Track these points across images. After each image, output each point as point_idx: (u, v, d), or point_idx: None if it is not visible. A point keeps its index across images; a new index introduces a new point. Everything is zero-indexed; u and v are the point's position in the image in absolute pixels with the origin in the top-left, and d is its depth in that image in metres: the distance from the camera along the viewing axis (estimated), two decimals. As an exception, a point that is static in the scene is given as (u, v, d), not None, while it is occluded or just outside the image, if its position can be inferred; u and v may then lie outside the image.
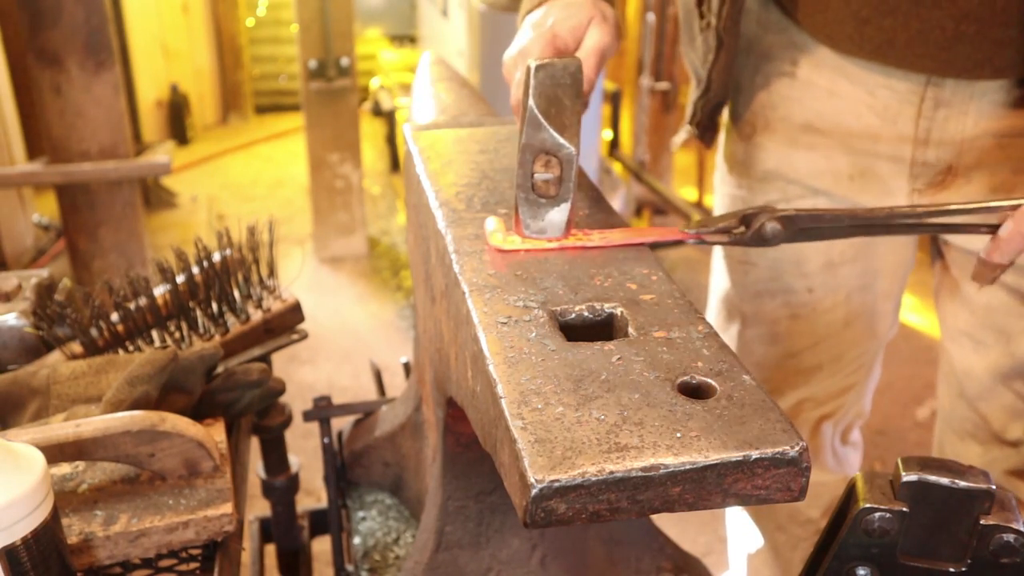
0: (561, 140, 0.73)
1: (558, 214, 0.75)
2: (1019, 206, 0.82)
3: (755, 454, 0.50)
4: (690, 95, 1.28)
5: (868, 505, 0.61)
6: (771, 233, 0.79)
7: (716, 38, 1.10)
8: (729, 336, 1.39)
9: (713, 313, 1.43)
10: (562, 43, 0.91)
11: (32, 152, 3.87)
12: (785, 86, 1.16)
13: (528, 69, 0.74)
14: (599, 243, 0.75)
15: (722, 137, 1.33)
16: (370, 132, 5.95)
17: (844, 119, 1.12)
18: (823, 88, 1.12)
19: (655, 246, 0.77)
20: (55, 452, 0.77)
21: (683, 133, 1.27)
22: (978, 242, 1.10)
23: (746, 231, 0.79)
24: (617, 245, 0.75)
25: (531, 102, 0.73)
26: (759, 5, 1.15)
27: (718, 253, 1.40)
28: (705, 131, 1.24)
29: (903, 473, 0.60)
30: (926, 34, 0.97)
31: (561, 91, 0.74)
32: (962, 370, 1.20)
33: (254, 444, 1.20)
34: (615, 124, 4.61)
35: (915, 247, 1.31)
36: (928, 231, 0.88)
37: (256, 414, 1.15)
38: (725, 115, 1.31)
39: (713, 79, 1.15)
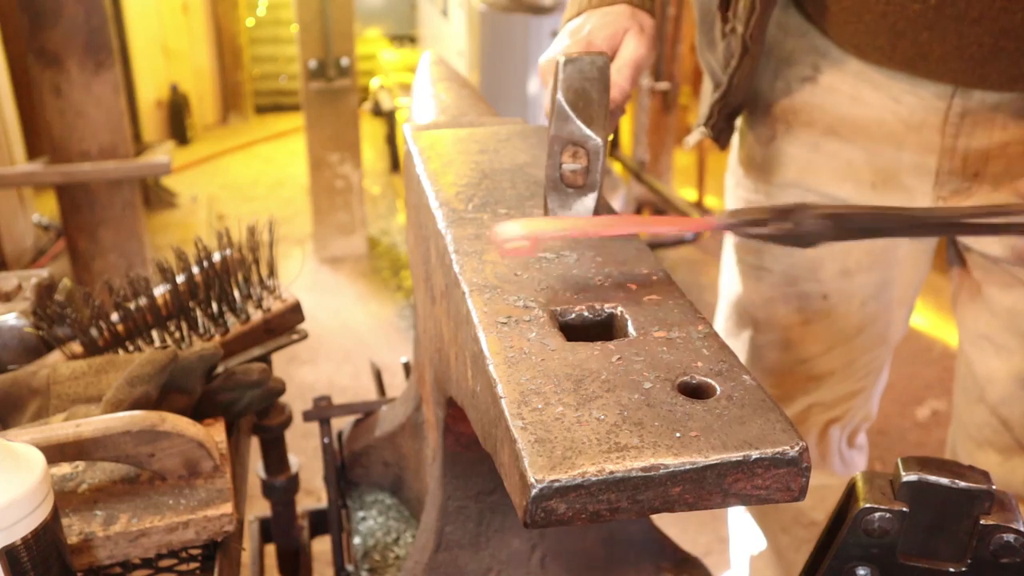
0: (588, 132, 0.75)
1: (585, 203, 0.77)
2: None
3: (755, 454, 0.50)
4: (703, 96, 1.25)
5: (868, 505, 0.61)
6: (814, 230, 0.74)
7: (741, 45, 1.08)
8: (740, 342, 1.37)
9: (723, 318, 1.41)
10: (597, 51, 0.92)
11: (32, 152, 3.87)
12: (807, 91, 1.14)
13: (557, 63, 0.76)
14: (632, 228, 0.74)
15: (736, 139, 1.32)
16: (370, 132, 5.95)
17: (868, 125, 1.10)
18: (846, 94, 1.10)
19: (655, 245, 0.76)
20: (55, 452, 0.77)
21: (696, 134, 1.24)
22: (997, 247, 1.08)
23: (783, 226, 0.74)
24: (636, 231, 0.74)
25: (559, 95, 0.76)
26: (779, 8, 1.13)
27: (729, 258, 1.38)
28: (720, 133, 1.22)
29: (903, 473, 0.60)
30: (962, 49, 0.95)
31: (589, 84, 0.76)
32: (982, 375, 1.18)
33: (254, 444, 1.20)
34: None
35: (932, 254, 1.29)
36: (970, 232, 0.85)
37: (256, 414, 1.15)
38: (740, 118, 1.29)
39: (734, 84, 1.13)
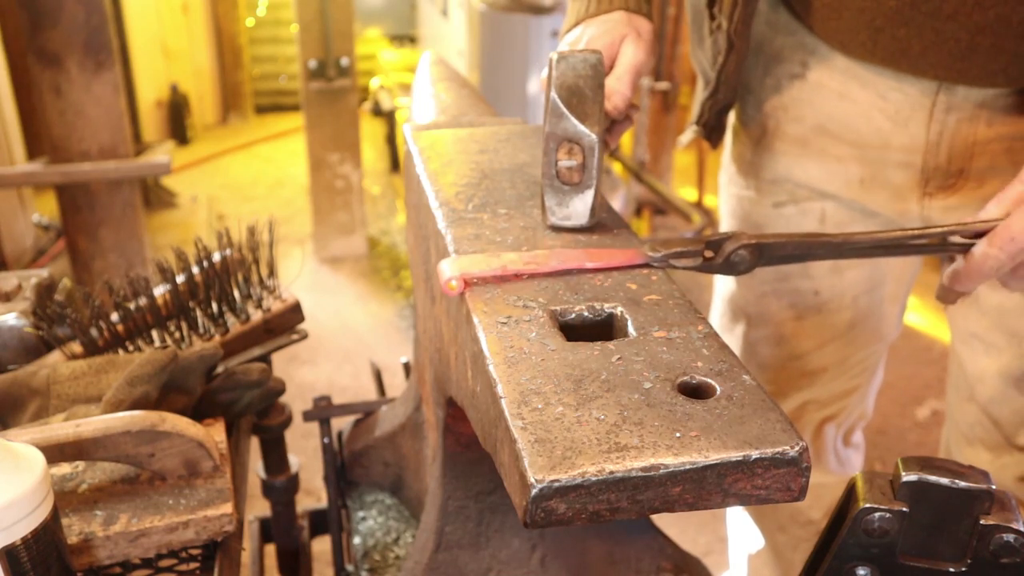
0: (583, 128, 0.76)
1: (582, 201, 0.77)
2: (994, 224, 0.79)
3: (755, 454, 0.50)
4: (696, 95, 1.27)
5: (868, 505, 0.61)
6: (740, 260, 0.78)
7: (727, 40, 1.09)
8: (734, 337, 1.38)
9: (718, 313, 1.42)
10: (591, 49, 0.92)
11: (32, 152, 3.87)
12: (795, 88, 1.15)
13: (550, 61, 0.76)
14: (555, 267, 0.71)
15: (729, 138, 1.32)
16: (370, 132, 5.95)
17: (855, 122, 1.11)
18: (834, 91, 1.11)
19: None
20: (55, 452, 0.77)
21: (689, 133, 1.25)
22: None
23: (714, 257, 0.78)
24: (573, 269, 0.71)
25: (553, 92, 0.76)
26: (768, 6, 1.14)
27: None
28: (712, 132, 1.23)
29: (903, 473, 0.60)
30: (940, 45, 0.96)
31: (582, 81, 0.76)
32: (973, 373, 1.18)
33: (254, 444, 1.20)
34: (615, 124, 4.59)
35: None
36: (898, 254, 0.87)
37: (256, 414, 1.15)
38: (732, 116, 1.30)
39: (722, 81, 1.14)
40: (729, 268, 0.78)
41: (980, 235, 0.81)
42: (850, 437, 1.45)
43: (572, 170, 0.77)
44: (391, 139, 5.46)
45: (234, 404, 1.00)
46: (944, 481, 0.59)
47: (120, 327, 1.06)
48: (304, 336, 1.14)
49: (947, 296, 0.88)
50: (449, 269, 0.69)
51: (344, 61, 3.96)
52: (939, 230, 0.84)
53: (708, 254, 0.78)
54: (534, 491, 0.48)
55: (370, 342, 3.54)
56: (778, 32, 1.15)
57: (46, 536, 0.65)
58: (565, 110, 0.76)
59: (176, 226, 4.73)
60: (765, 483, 0.51)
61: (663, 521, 0.98)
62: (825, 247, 0.81)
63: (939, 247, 0.85)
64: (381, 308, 3.85)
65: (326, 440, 1.22)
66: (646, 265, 0.73)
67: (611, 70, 0.95)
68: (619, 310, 0.65)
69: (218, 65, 6.55)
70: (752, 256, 0.78)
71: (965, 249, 0.84)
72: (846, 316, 1.29)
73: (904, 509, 0.61)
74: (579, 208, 0.78)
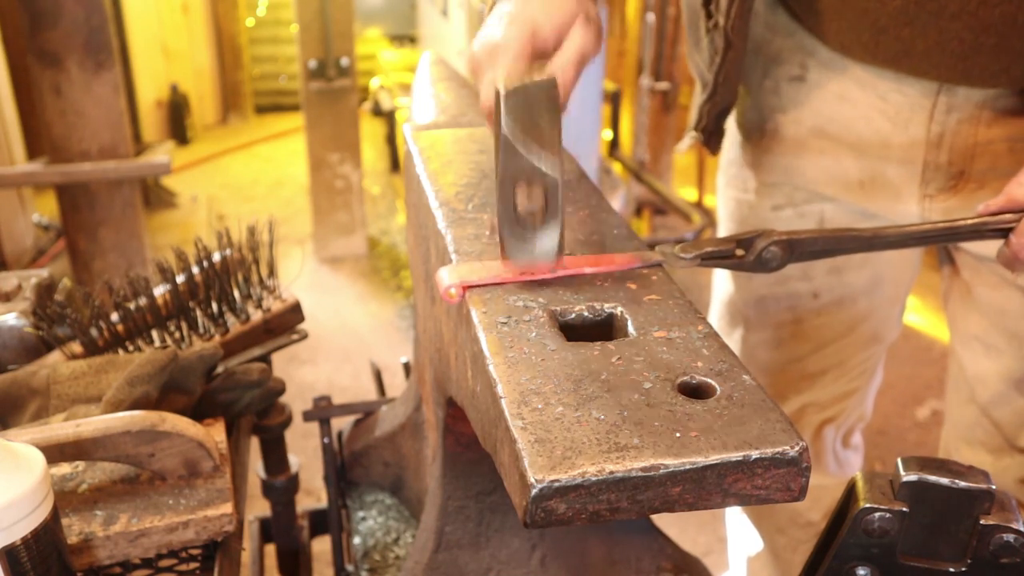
0: (543, 168, 0.67)
1: (548, 240, 0.69)
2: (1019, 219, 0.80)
3: (755, 454, 0.50)
4: (694, 99, 1.26)
5: (868, 505, 0.61)
6: (772, 257, 0.78)
7: (724, 39, 1.08)
8: (733, 340, 1.37)
9: (716, 317, 1.42)
10: (542, 41, 0.81)
11: (32, 152, 3.87)
12: (794, 90, 1.14)
13: (497, 95, 0.66)
14: (571, 271, 0.69)
15: (727, 140, 1.32)
16: (370, 132, 5.95)
17: (855, 124, 1.10)
18: (833, 92, 1.11)
19: (653, 245, 0.76)
20: (55, 452, 0.77)
21: (688, 139, 1.25)
22: (988, 246, 1.09)
23: (746, 255, 0.78)
24: (593, 272, 0.70)
25: (504, 130, 0.66)
26: (766, 7, 1.13)
27: None
28: (711, 137, 1.22)
29: (903, 473, 0.60)
30: (944, 45, 0.96)
31: (536, 113, 0.67)
32: (973, 375, 1.18)
33: (254, 444, 1.20)
34: (615, 124, 4.61)
35: (922, 252, 1.29)
36: (932, 242, 0.87)
37: (256, 414, 1.15)
38: (730, 118, 1.29)
39: (720, 82, 1.13)
40: (761, 265, 0.78)
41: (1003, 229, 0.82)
42: (849, 439, 1.45)
43: (534, 213, 0.68)
44: (391, 139, 5.47)
45: (234, 404, 1.00)
46: (944, 481, 0.59)
47: (120, 327, 1.06)
48: (304, 336, 1.14)
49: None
50: (448, 277, 0.69)
51: (344, 61, 3.96)
52: (970, 222, 0.83)
53: (739, 252, 0.78)
54: (534, 491, 0.48)
55: (370, 342, 3.54)
56: (776, 34, 1.14)
57: (46, 536, 0.65)
58: (520, 148, 0.66)
59: (176, 226, 4.73)
60: (765, 483, 0.51)
61: (663, 521, 0.98)
62: (855, 242, 0.81)
63: (970, 235, 0.85)
64: (381, 308, 3.85)
65: (326, 440, 1.22)
66: (646, 266, 0.73)
67: (556, 51, 0.83)
68: (619, 310, 0.65)
69: (218, 65, 6.56)
70: (783, 252, 0.78)
71: (1001, 233, 0.83)
72: (845, 319, 1.29)
73: (904, 509, 0.61)
74: (546, 246, 0.69)
